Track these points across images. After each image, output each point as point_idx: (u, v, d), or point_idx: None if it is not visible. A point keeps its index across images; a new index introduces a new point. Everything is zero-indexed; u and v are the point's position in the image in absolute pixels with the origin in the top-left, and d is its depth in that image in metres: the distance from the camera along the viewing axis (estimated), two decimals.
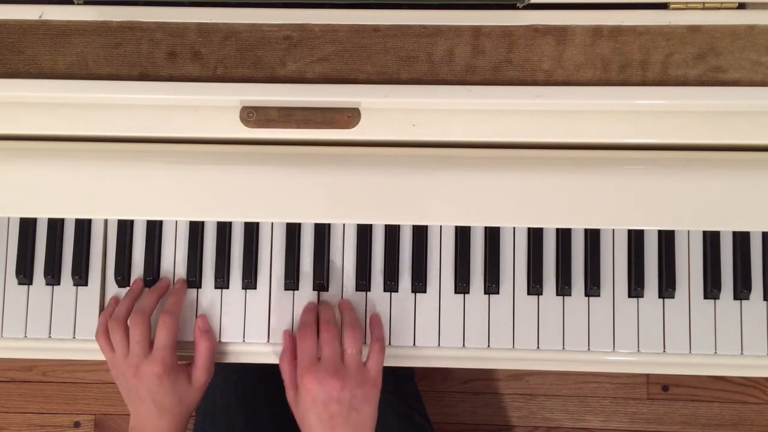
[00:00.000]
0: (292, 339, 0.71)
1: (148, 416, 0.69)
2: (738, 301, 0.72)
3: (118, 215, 0.72)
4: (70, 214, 0.72)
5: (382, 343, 0.70)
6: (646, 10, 0.67)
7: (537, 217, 0.69)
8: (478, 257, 0.73)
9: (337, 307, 0.72)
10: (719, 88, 0.66)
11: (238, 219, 0.73)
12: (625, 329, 0.72)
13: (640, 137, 0.68)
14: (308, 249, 0.73)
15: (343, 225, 0.74)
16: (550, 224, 0.72)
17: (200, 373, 0.70)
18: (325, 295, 0.73)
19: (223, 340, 0.73)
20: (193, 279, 0.73)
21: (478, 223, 0.71)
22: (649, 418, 1.37)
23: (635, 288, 0.72)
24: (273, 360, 0.73)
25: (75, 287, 0.74)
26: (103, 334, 0.70)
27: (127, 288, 0.73)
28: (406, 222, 0.73)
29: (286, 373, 0.70)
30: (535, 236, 0.73)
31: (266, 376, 0.89)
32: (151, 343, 0.69)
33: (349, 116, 0.67)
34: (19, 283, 0.74)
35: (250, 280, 0.73)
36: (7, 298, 0.74)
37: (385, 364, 0.71)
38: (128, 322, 0.69)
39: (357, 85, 0.66)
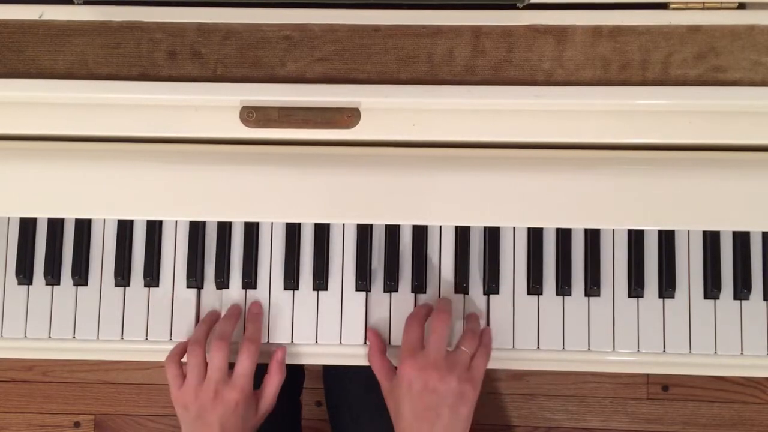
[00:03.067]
0: (377, 335, 0.71)
1: None
2: (738, 301, 0.72)
3: (118, 215, 0.72)
4: (70, 214, 0.72)
5: (489, 349, 0.69)
6: (646, 10, 0.67)
7: (537, 217, 0.69)
8: (478, 257, 0.73)
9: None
10: (719, 88, 0.66)
11: (238, 219, 0.73)
12: (625, 329, 0.72)
13: (640, 137, 0.68)
14: (308, 249, 0.73)
15: (343, 225, 0.74)
16: (550, 224, 0.72)
17: (267, 403, 0.70)
18: (327, 295, 0.73)
19: None
20: (193, 279, 0.73)
21: (478, 223, 0.71)
22: (649, 418, 1.37)
23: (635, 288, 0.72)
24: (271, 359, 0.73)
25: (75, 287, 0.74)
26: (177, 359, 0.70)
27: (126, 287, 0.73)
28: (406, 222, 0.73)
29: (379, 368, 0.69)
30: (535, 236, 0.73)
31: (261, 376, 0.89)
32: (227, 373, 0.68)
33: (349, 116, 0.67)
34: (19, 283, 0.74)
35: (250, 281, 0.73)
36: (7, 298, 0.74)
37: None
38: (211, 347, 0.68)
39: (357, 85, 0.66)
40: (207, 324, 0.71)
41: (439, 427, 0.63)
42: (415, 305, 0.73)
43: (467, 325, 0.70)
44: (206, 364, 0.68)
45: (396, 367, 0.68)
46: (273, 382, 0.71)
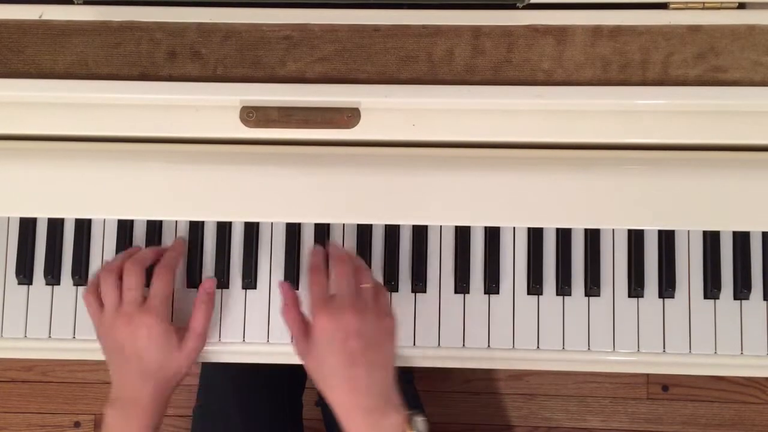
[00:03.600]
0: (290, 288, 0.68)
1: (130, 381, 0.65)
2: (738, 301, 0.72)
3: (118, 215, 0.72)
4: (70, 214, 0.72)
5: (381, 286, 0.67)
6: (646, 10, 0.67)
7: (537, 217, 0.69)
8: (478, 257, 0.73)
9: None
10: (719, 88, 0.66)
11: (238, 219, 0.73)
12: (625, 329, 0.72)
13: (640, 137, 0.68)
14: (308, 249, 0.73)
15: (343, 225, 0.74)
16: (550, 224, 0.72)
17: (192, 338, 0.67)
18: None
19: (222, 340, 0.73)
20: (193, 279, 0.73)
21: (478, 223, 0.71)
22: (649, 418, 1.37)
23: (635, 288, 0.72)
24: (273, 360, 0.73)
25: (75, 287, 0.74)
26: (93, 290, 0.68)
27: None
28: (406, 222, 0.73)
29: (293, 322, 0.66)
30: (535, 236, 0.73)
31: (264, 377, 0.89)
32: (144, 297, 0.66)
33: (349, 116, 0.67)
34: (19, 283, 0.74)
35: (250, 280, 0.73)
36: (7, 298, 0.74)
37: None
38: (123, 271, 0.66)
39: (357, 85, 0.66)
40: (124, 255, 0.69)
41: (375, 369, 0.60)
42: (415, 305, 0.73)
43: (356, 262, 0.66)
44: (120, 295, 0.66)
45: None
46: (198, 313, 0.68)
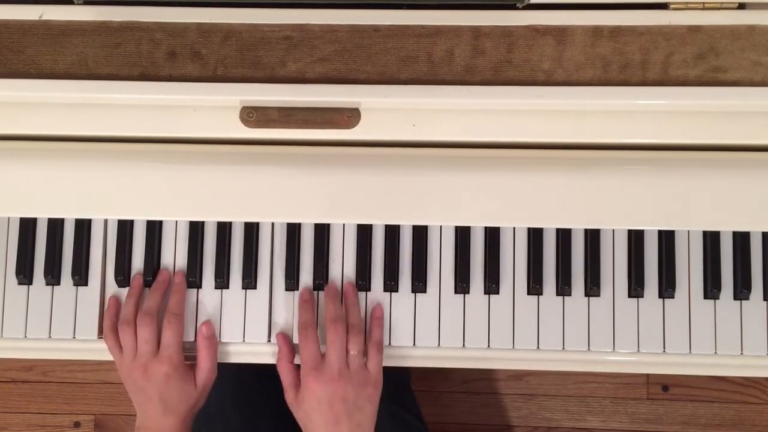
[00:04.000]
0: (286, 340, 0.72)
1: (154, 416, 0.70)
2: (738, 301, 0.72)
3: (118, 215, 0.72)
4: (70, 214, 0.72)
5: (381, 346, 0.71)
6: (646, 10, 0.67)
7: (537, 217, 0.69)
8: (478, 257, 0.73)
9: (339, 295, 0.72)
10: (719, 88, 0.66)
11: (238, 219, 0.73)
12: (625, 329, 0.72)
13: (640, 137, 0.68)
14: (308, 249, 0.73)
15: (343, 225, 0.74)
16: (550, 224, 0.72)
17: (204, 375, 0.72)
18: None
19: (223, 340, 0.73)
20: (193, 279, 0.73)
21: (478, 223, 0.71)
22: (649, 418, 1.37)
23: (635, 288, 0.72)
24: (273, 360, 0.73)
25: (75, 287, 0.74)
26: (111, 334, 0.72)
27: (126, 287, 0.73)
28: (406, 222, 0.73)
29: (285, 375, 0.71)
30: (535, 236, 0.73)
31: (264, 377, 0.89)
32: (158, 343, 0.70)
33: (349, 116, 0.67)
34: (19, 283, 0.74)
35: (250, 280, 0.73)
36: (7, 298, 0.74)
37: (384, 364, 0.71)
38: (137, 323, 0.70)
39: (357, 85, 0.66)
40: (133, 299, 0.72)
41: (357, 429, 0.67)
42: (415, 305, 0.73)
43: (349, 316, 0.71)
44: (136, 345, 0.70)
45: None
46: (204, 353, 0.72)
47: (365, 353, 0.70)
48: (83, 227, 0.74)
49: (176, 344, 0.70)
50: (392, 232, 0.73)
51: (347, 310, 0.72)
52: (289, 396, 0.71)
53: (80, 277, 0.73)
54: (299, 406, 0.69)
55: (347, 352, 0.69)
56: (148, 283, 0.73)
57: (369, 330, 0.72)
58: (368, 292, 0.73)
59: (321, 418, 0.67)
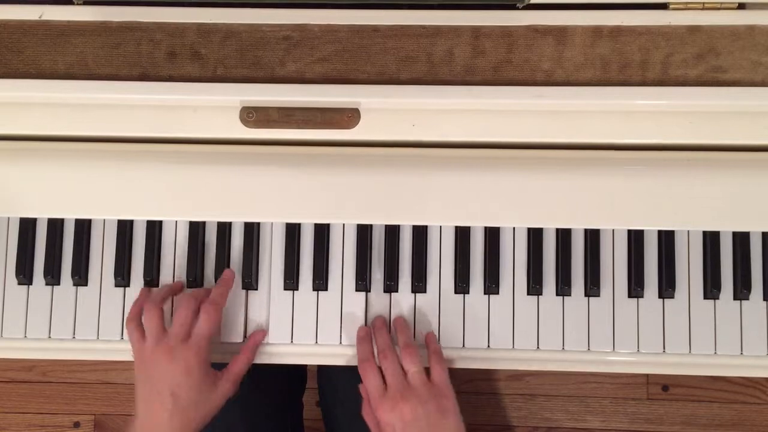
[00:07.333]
0: (366, 390, 0.70)
1: (160, 414, 0.64)
2: (738, 301, 0.72)
3: (118, 215, 0.72)
4: (70, 214, 0.72)
5: (440, 355, 0.70)
6: (646, 10, 0.67)
7: (537, 217, 0.69)
8: (477, 257, 0.73)
9: (386, 327, 0.72)
10: (719, 88, 0.66)
11: (238, 219, 0.73)
12: (625, 329, 0.72)
13: (640, 137, 0.68)
14: (308, 249, 0.73)
15: (343, 225, 0.74)
16: (550, 224, 0.72)
17: (230, 378, 0.69)
18: (327, 296, 0.73)
19: (223, 340, 0.73)
20: (193, 279, 0.73)
21: (478, 223, 0.71)
22: (649, 418, 1.37)
23: (635, 288, 0.72)
24: (274, 360, 0.73)
25: (75, 287, 0.74)
26: (135, 319, 0.68)
27: (126, 288, 0.73)
28: (406, 222, 0.73)
29: (369, 420, 0.69)
30: (535, 236, 0.73)
31: (265, 377, 0.89)
32: (189, 332, 0.66)
33: (349, 116, 0.67)
34: (19, 283, 0.74)
35: (250, 281, 0.73)
36: (7, 298, 0.74)
37: None
38: (176, 302, 0.67)
39: (357, 86, 0.66)
40: (169, 288, 0.70)
41: None
42: (415, 305, 0.73)
43: (399, 339, 0.70)
44: (163, 326, 0.67)
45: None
46: (240, 361, 0.69)
47: (430, 368, 0.68)
48: (83, 227, 0.74)
49: (208, 337, 0.66)
50: (392, 232, 0.73)
51: (398, 334, 0.71)
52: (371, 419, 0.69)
53: (80, 277, 0.73)
54: None
55: (405, 372, 0.67)
56: (148, 284, 0.73)
57: (425, 342, 0.71)
58: (368, 293, 0.73)
59: None
